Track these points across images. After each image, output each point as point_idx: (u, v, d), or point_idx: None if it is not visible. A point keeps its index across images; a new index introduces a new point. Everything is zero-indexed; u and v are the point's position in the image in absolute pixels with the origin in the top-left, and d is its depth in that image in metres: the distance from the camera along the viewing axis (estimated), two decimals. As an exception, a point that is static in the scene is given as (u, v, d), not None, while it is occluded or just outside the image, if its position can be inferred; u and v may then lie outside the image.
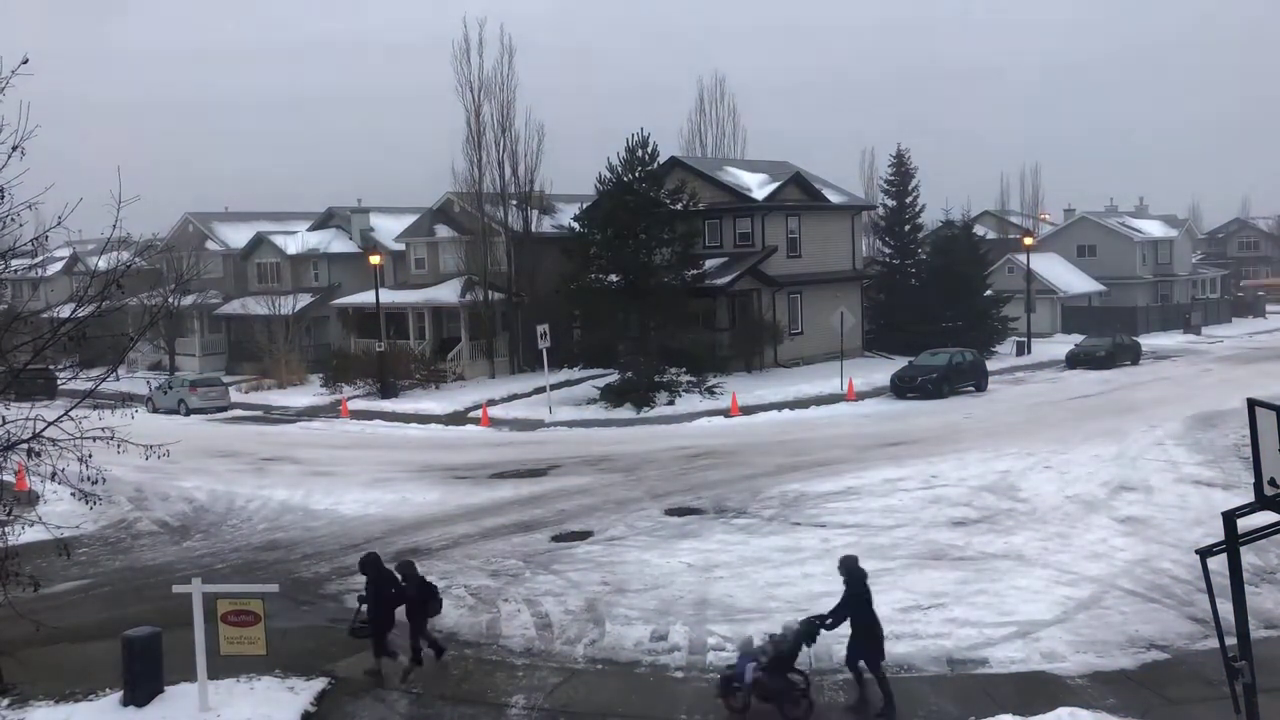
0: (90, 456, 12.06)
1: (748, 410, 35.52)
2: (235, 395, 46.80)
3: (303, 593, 16.50)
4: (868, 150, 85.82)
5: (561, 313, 42.21)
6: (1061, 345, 52.57)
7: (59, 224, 11.33)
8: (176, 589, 12.17)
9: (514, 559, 17.80)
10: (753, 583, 15.75)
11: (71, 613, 15.82)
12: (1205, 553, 8.17)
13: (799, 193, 47.54)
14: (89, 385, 12.42)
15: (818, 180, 49.73)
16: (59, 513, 19.02)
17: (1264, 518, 7.76)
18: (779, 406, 36.19)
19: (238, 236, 59.40)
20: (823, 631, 11.42)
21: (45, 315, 16.47)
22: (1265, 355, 50.21)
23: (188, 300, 56.05)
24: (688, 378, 38.19)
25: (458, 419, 37.96)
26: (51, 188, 11.26)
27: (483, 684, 12.55)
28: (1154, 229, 75.50)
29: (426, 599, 13.09)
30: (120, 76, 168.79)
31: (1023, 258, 59.35)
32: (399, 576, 13.12)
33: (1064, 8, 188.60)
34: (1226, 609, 8.04)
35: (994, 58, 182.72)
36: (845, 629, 11.39)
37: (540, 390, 39.99)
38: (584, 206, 44.36)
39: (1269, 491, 7.52)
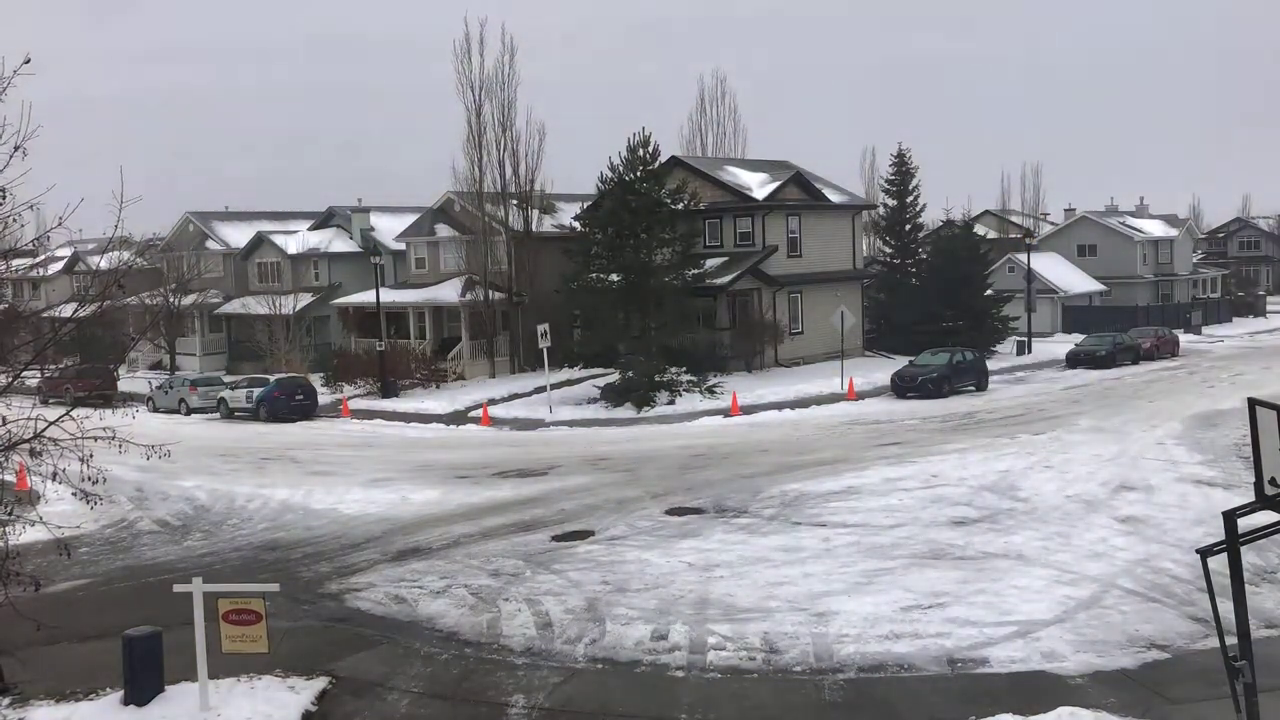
0: (91, 456, 12.06)
1: (748, 410, 35.52)
2: (236, 395, 46.78)
3: (303, 592, 16.50)
4: (868, 149, 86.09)
5: (562, 312, 42.26)
6: (1062, 345, 52.58)
7: (60, 225, 11.31)
8: (177, 588, 12.16)
9: (514, 558, 17.80)
10: (753, 582, 15.75)
11: (72, 612, 15.81)
12: (1206, 552, 8.16)
13: (799, 192, 47.55)
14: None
15: (818, 180, 49.75)
16: (60, 512, 19.04)
17: (1265, 517, 7.75)
18: (779, 406, 36.19)
19: (238, 236, 59.40)
20: (825, 632, 11.37)
21: (46, 315, 16.48)
22: (1267, 354, 50.24)
23: (188, 300, 56.09)
24: (688, 377, 38.20)
25: (458, 418, 37.97)
26: (53, 188, 11.27)
27: (483, 683, 12.55)
28: (1154, 229, 75.52)
29: None
30: (120, 76, 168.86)
31: (1023, 257, 59.36)
32: None
33: (1066, 7, 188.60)
34: (1227, 608, 8.03)
35: (995, 57, 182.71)
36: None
37: (541, 390, 40.01)
38: (584, 206, 44.43)
39: (1269, 491, 7.51)
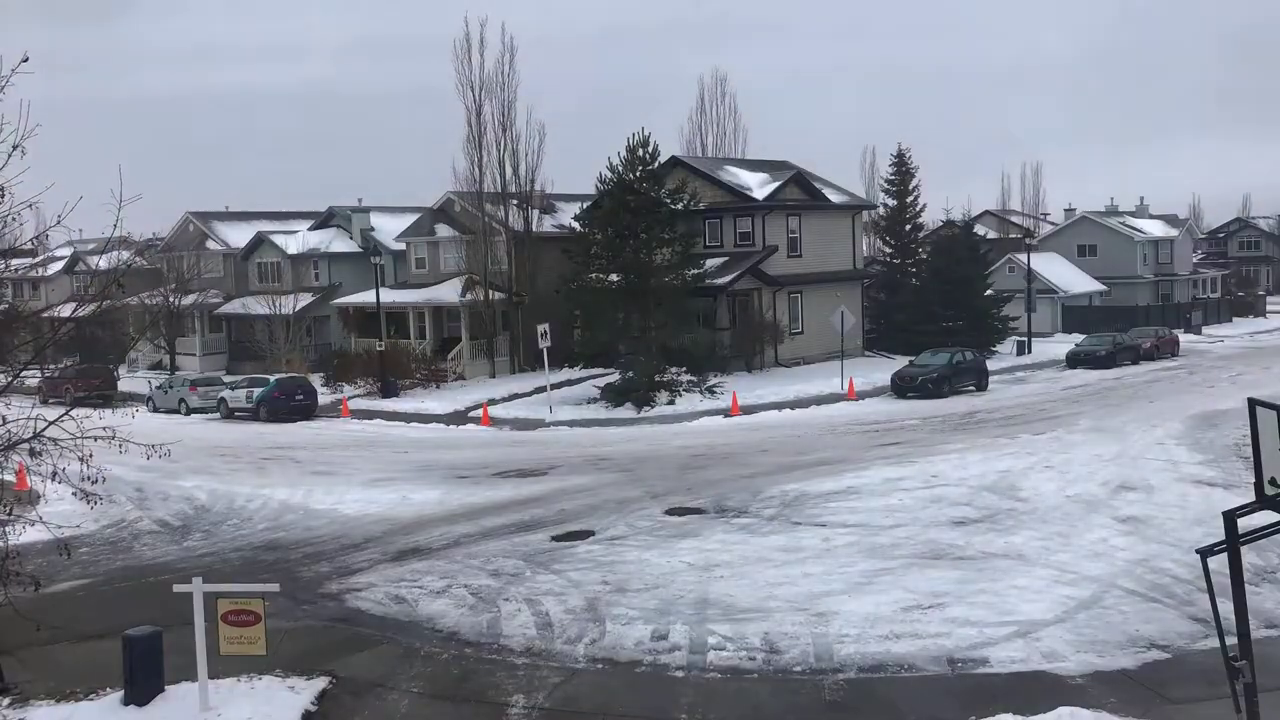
0: (91, 456, 12.06)
1: (748, 410, 35.53)
2: (236, 395, 46.73)
3: (303, 592, 16.50)
4: (868, 150, 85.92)
5: (562, 312, 42.25)
6: (1062, 345, 52.58)
7: (58, 223, 11.33)
8: (177, 589, 12.16)
9: (514, 558, 17.80)
10: (753, 582, 15.75)
11: (72, 612, 15.82)
12: (1206, 552, 8.17)
13: (799, 192, 47.55)
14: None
15: (818, 180, 49.75)
16: (60, 512, 19.01)
17: (1264, 517, 7.76)
18: (779, 406, 36.20)
19: (238, 236, 59.41)
20: (825, 632, 11.38)
21: (46, 315, 16.53)
22: (1267, 354, 50.24)
23: (188, 300, 56.11)
24: (688, 377, 38.20)
25: (458, 418, 37.98)
26: (52, 187, 11.28)
27: (483, 683, 12.56)
28: (1155, 229, 75.52)
29: None
30: (120, 75, 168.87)
31: (1023, 257, 59.35)
32: None
33: (1066, 8, 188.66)
34: (1227, 608, 8.04)
35: (996, 57, 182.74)
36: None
37: (541, 390, 40.02)
38: (584, 206, 44.43)
39: (1269, 491, 7.52)
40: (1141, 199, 79.99)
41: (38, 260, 54.02)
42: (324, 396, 43.23)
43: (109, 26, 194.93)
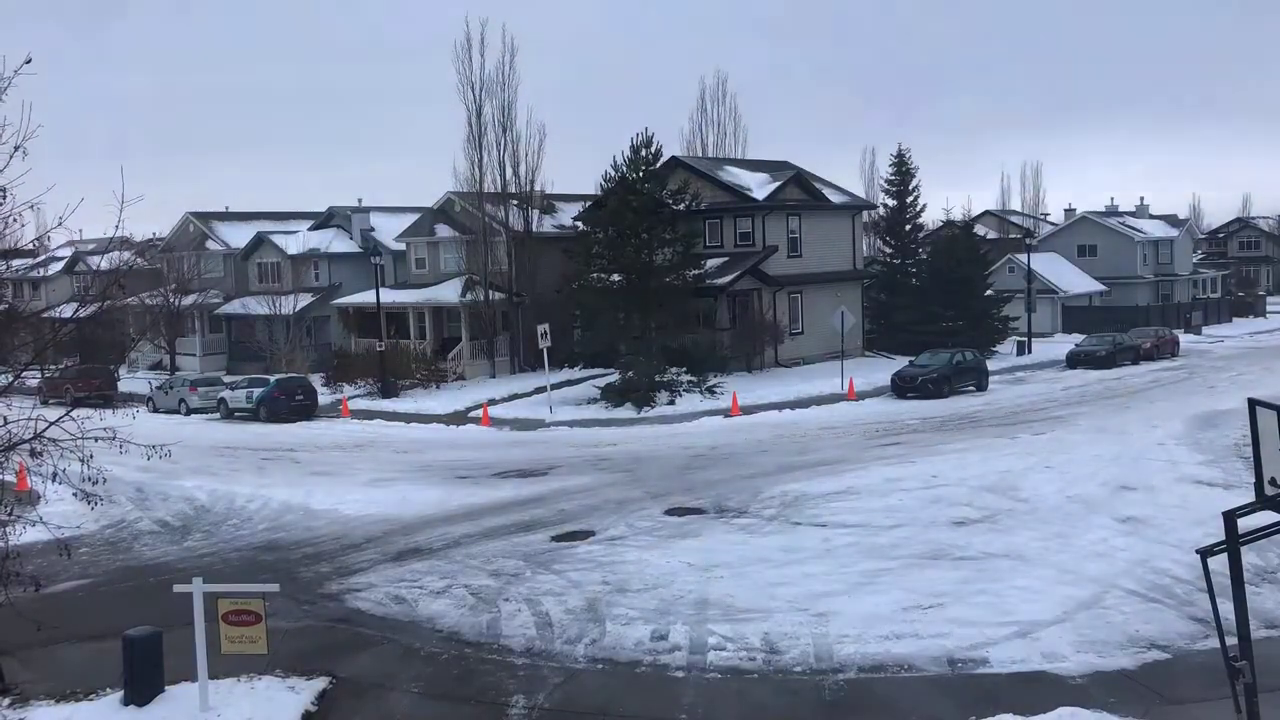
0: (91, 457, 12.07)
1: (748, 410, 35.52)
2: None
3: (303, 592, 16.51)
4: (868, 150, 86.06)
5: (562, 313, 42.29)
6: (1062, 345, 52.56)
7: (59, 224, 11.36)
8: (177, 589, 12.17)
9: (514, 558, 17.81)
10: (753, 582, 15.76)
11: (72, 612, 15.83)
12: (1206, 552, 8.18)
13: (800, 192, 47.56)
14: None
15: (818, 180, 49.77)
16: (60, 513, 19.04)
17: (1265, 517, 7.77)
18: (779, 406, 36.20)
19: (238, 236, 59.38)
20: (825, 632, 11.38)
21: (46, 315, 16.60)
22: (1267, 354, 50.23)
23: (188, 300, 56.10)
24: (688, 377, 38.20)
25: (458, 418, 37.97)
26: (54, 188, 11.30)
27: (483, 683, 12.56)
28: (1155, 229, 75.51)
29: None
30: (121, 76, 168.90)
31: (1023, 257, 59.35)
32: None
33: (1065, 8, 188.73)
34: (1227, 609, 8.05)
35: (996, 57, 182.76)
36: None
37: (541, 390, 40.03)
38: (585, 206, 44.51)
39: (1270, 491, 7.52)
40: (1141, 199, 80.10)
41: (38, 261, 54.01)
42: (324, 397, 43.18)
43: (109, 26, 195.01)
